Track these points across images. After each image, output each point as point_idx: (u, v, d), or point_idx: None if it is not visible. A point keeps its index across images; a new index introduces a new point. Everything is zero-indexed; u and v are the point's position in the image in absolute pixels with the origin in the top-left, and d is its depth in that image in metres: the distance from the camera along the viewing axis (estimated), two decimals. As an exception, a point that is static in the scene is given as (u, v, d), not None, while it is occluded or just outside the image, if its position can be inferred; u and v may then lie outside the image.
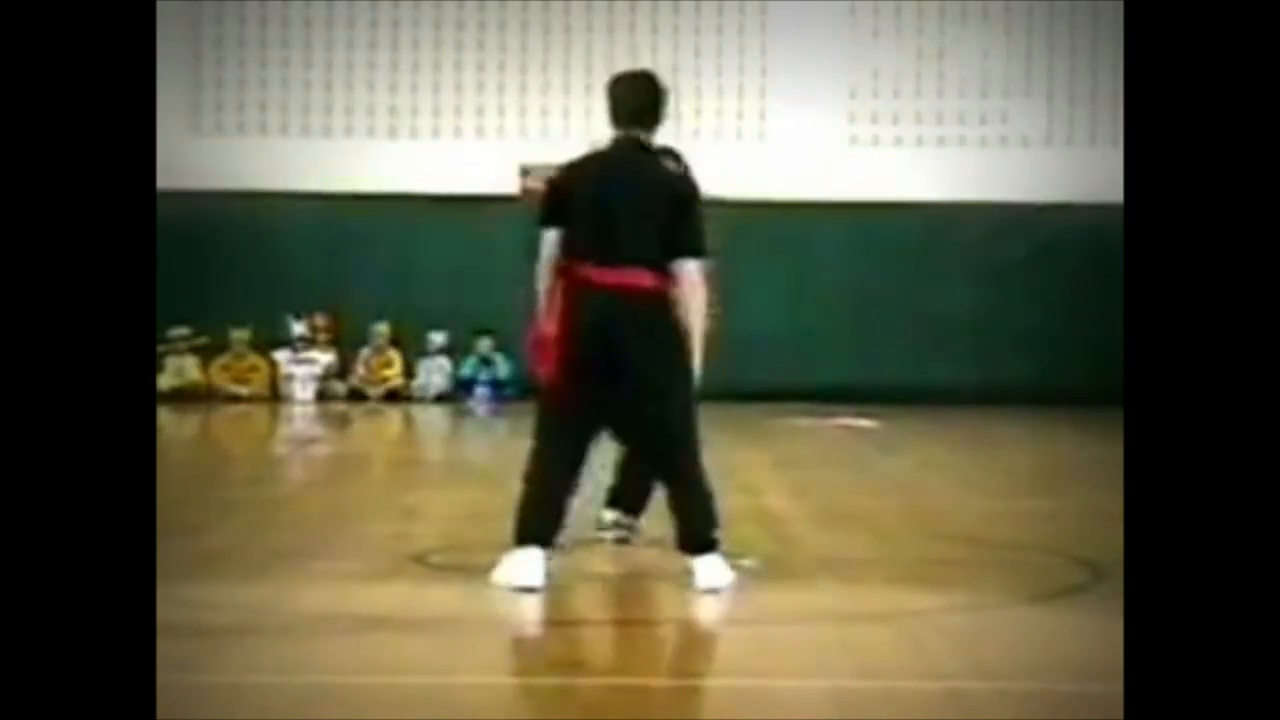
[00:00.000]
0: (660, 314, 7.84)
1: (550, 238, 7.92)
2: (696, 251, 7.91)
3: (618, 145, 8.06)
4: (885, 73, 22.87)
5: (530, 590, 7.74)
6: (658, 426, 7.92)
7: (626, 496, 9.01)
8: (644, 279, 7.82)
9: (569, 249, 7.88)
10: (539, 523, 7.85)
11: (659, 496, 8.51)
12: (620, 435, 8.27)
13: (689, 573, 7.89)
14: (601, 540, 9.02)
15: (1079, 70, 22.76)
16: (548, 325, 7.85)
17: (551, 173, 8.30)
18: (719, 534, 7.95)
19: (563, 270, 7.88)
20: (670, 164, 8.52)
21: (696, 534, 7.88)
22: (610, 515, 9.05)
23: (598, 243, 7.83)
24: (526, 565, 7.78)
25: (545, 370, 7.88)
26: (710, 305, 7.99)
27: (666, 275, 7.85)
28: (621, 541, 9.01)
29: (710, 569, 7.88)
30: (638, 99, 8.08)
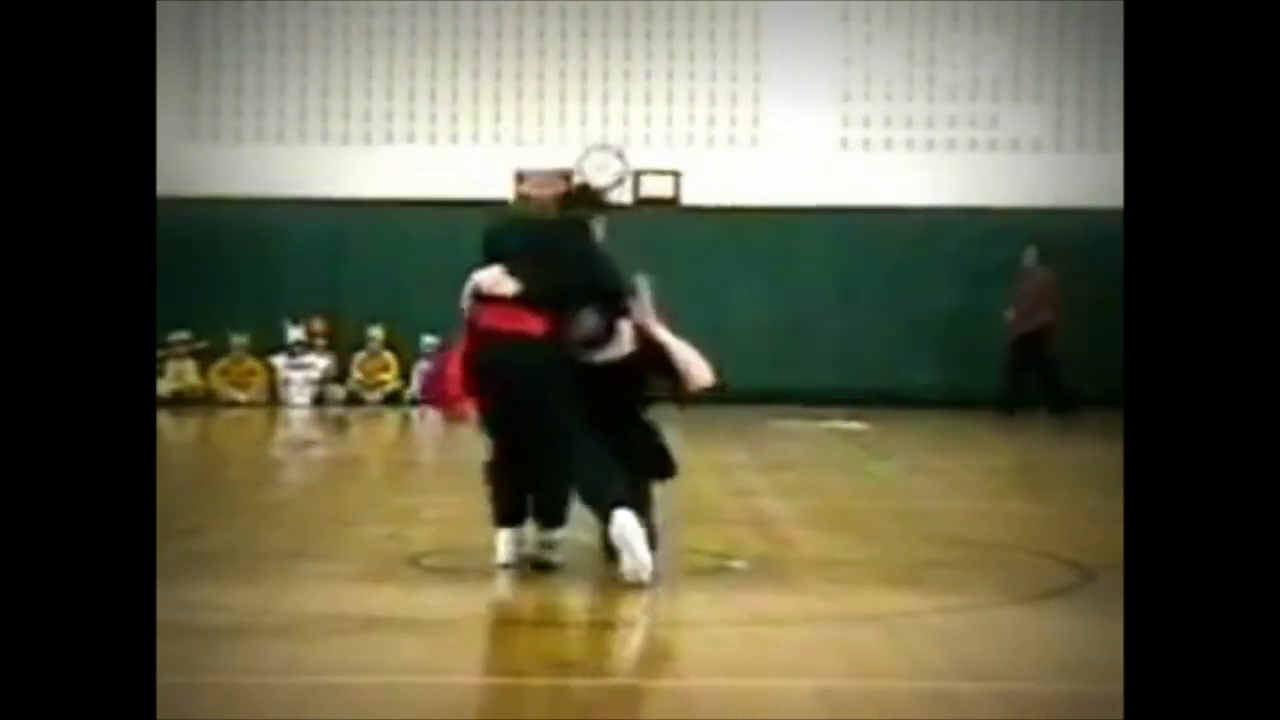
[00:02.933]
0: (543, 354, 8.45)
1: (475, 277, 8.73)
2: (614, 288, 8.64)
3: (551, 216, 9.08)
4: (879, 77, 22.90)
5: (505, 567, 8.50)
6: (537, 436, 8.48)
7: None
8: (528, 322, 8.42)
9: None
10: (501, 508, 8.66)
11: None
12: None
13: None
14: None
15: (1069, 76, 22.80)
16: (450, 363, 8.77)
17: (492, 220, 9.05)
18: (563, 510, 8.56)
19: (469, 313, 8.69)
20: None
21: (546, 508, 8.60)
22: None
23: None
24: (502, 545, 8.60)
25: (439, 404, 9.08)
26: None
27: (548, 317, 8.44)
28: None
29: (621, 520, 8.09)
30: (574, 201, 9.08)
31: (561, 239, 8.70)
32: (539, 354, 8.41)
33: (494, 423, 8.67)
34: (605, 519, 8.12)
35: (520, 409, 8.46)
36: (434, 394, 9.17)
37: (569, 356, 8.47)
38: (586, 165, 21.37)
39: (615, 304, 8.57)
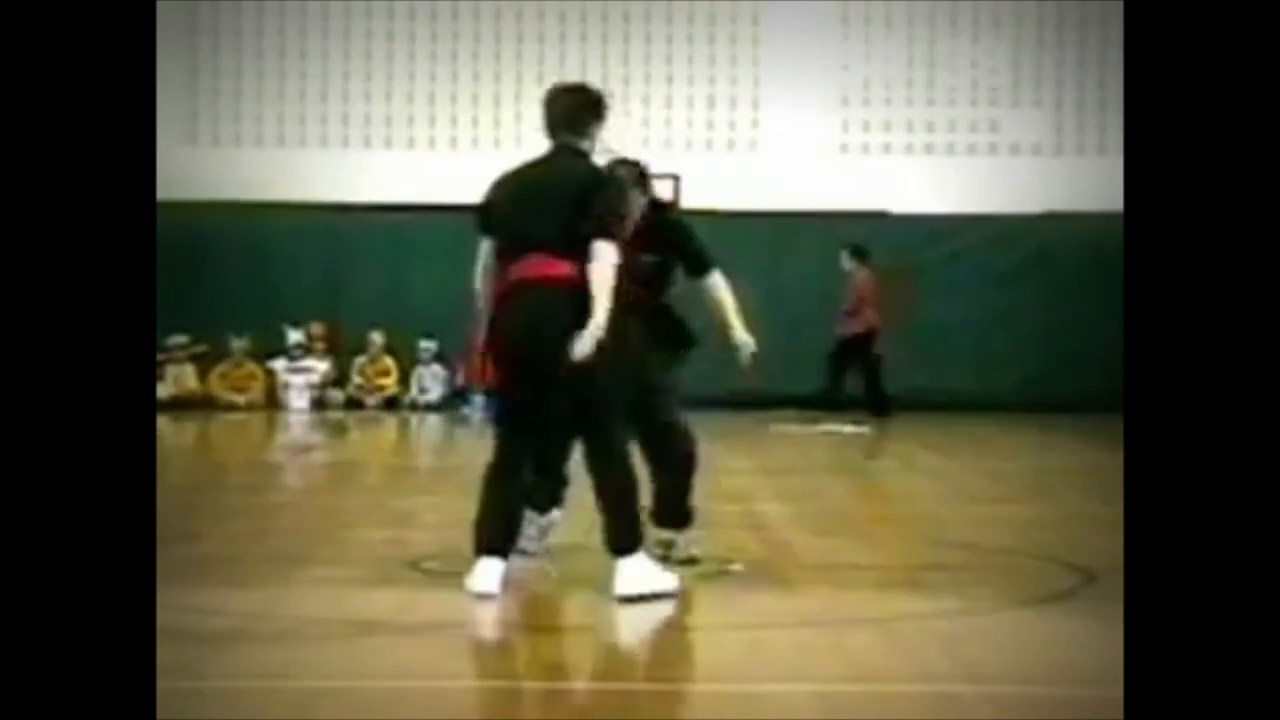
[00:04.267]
0: (572, 302, 7.78)
1: (483, 246, 8.12)
2: (603, 232, 7.84)
3: (551, 153, 8.18)
4: (878, 81, 22.92)
5: (486, 598, 7.78)
6: (581, 418, 7.95)
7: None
8: (554, 268, 7.84)
9: (497, 256, 8.04)
10: (488, 533, 7.95)
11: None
12: (553, 433, 8.33)
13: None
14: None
15: (1069, 79, 22.81)
16: (481, 334, 8.01)
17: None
18: (639, 536, 7.94)
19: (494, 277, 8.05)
20: (621, 170, 8.62)
21: (615, 535, 7.87)
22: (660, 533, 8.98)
23: (510, 240, 7.96)
24: (484, 574, 7.87)
25: (487, 378, 8.02)
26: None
27: (577, 262, 7.82)
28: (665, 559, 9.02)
29: (630, 572, 7.84)
30: (560, 109, 8.22)
31: (556, 173, 8.07)
32: (563, 303, 7.79)
33: (521, 396, 7.98)
34: (615, 556, 7.90)
35: (554, 376, 7.82)
36: (475, 372, 8.29)
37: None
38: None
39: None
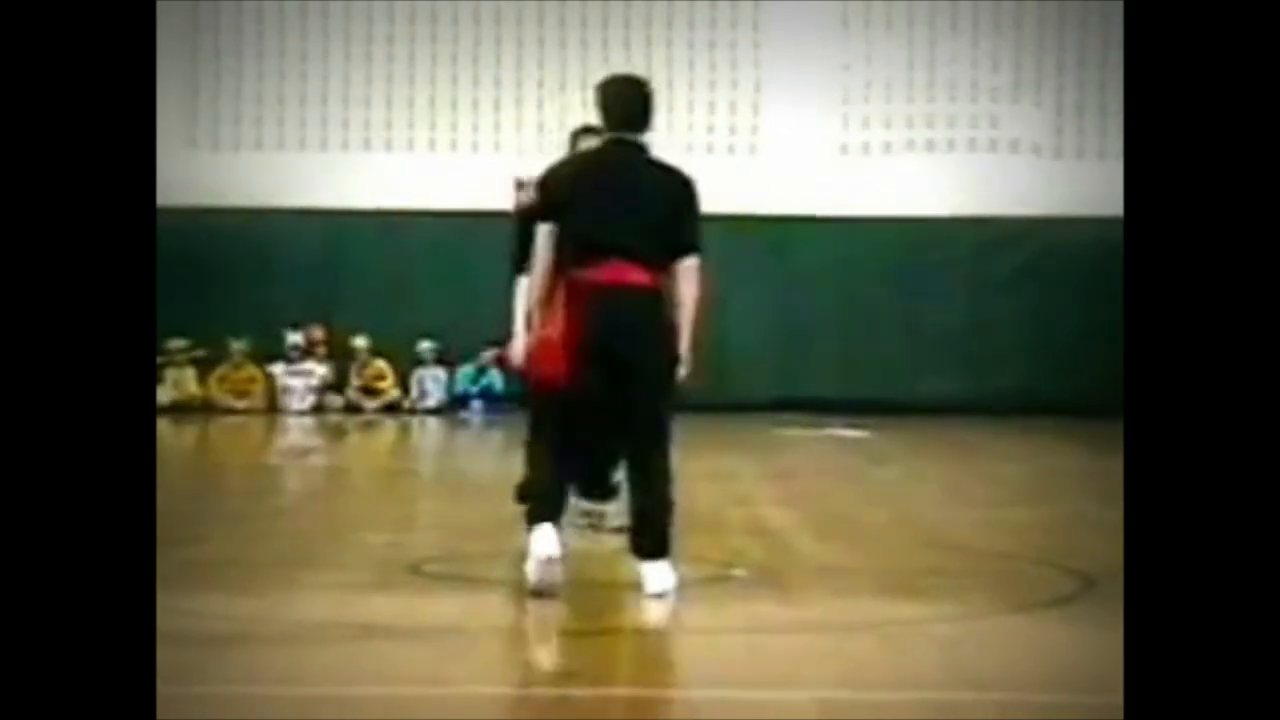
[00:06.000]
0: (655, 311, 7.94)
1: (546, 231, 8.01)
2: (695, 249, 8.01)
3: (611, 146, 8.16)
4: (878, 84, 22.92)
5: (552, 560, 7.84)
6: (645, 425, 8.01)
7: (593, 485, 9.25)
8: (639, 275, 7.91)
9: (564, 249, 7.96)
10: (545, 505, 8.00)
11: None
12: (608, 431, 8.34)
13: (640, 575, 8.02)
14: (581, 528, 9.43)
15: (1069, 82, 22.81)
16: (550, 328, 7.93)
17: (544, 171, 8.33)
18: (672, 543, 8.04)
19: (564, 273, 7.96)
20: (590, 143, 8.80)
21: (654, 541, 7.98)
22: (584, 504, 9.40)
23: (589, 240, 7.92)
24: (544, 539, 7.89)
25: (554, 375, 7.94)
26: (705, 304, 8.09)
27: (660, 272, 7.95)
28: (594, 529, 9.40)
29: (660, 574, 7.99)
30: (629, 102, 8.17)
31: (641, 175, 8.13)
32: (655, 312, 7.92)
33: (586, 398, 7.96)
34: (647, 559, 8.02)
35: (626, 391, 7.91)
36: (540, 369, 8.11)
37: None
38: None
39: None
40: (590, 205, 7.95)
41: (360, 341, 22.30)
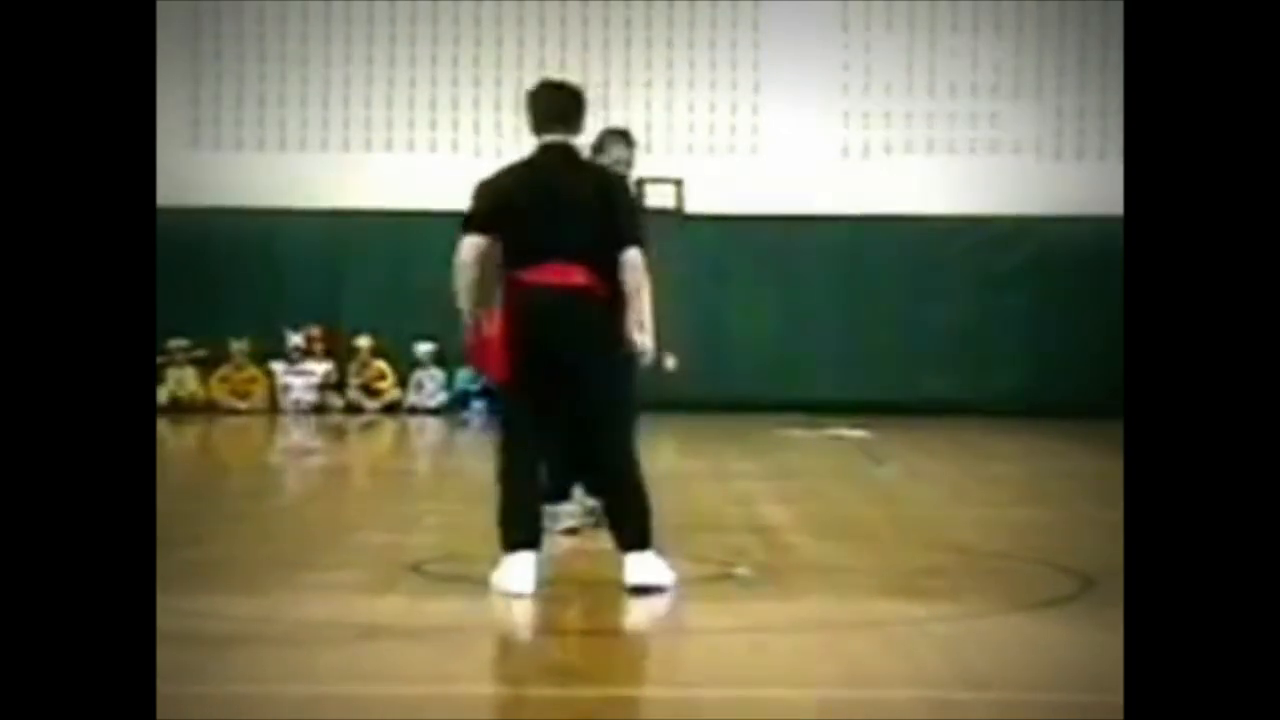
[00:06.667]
0: (593, 309, 8.03)
1: (471, 243, 8.11)
2: (634, 240, 8.08)
3: (543, 151, 8.25)
4: (879, 83, 22.92)
5: (521, 596, 7.90)
6: (595, 422, 8.11)
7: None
8: (578, 275, 8.01)
9: (506, 254, 8.10)
10: (520, 527, 8.05)
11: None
12: (563, 432, 8.40)
13: (623, 569, 8.06)
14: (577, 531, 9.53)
15: (1069, 83, 22.82)
16: (490, 328, 8.08)
17: (479, 183, 8.46)
18: (652, 531, 8.08)
19: (504, 276, 8.10)
20: (618, 149, 8.92)
21: (633, 531, 8.05)
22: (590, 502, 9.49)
23: (533, 244, 8.05)
24: (518, 571, 7.97)
25: (492, 371, 8.20)
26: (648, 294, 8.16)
27: (600, 269, 8.03)
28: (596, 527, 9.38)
29: (642, 565, 8.04)
30: (558, 104, 8.29)
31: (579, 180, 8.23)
32: (594, 312, 8.04)
33: (533, 392, 8.07)
34: (629, 550, 8.08)
35: (573, 379, 8.02)
36: (479, 361, 8.42)
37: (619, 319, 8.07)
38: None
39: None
40: (527, 210, 8.08)
41: (362, 341, 22.32)
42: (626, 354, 8.11)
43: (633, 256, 8.04)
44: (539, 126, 8.26)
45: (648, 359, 8.17)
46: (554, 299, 7.98)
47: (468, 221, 8.18)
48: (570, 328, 7.99)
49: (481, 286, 8.14)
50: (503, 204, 8.15)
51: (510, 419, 8.27)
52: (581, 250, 8.01)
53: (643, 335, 8.05)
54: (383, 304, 22.22)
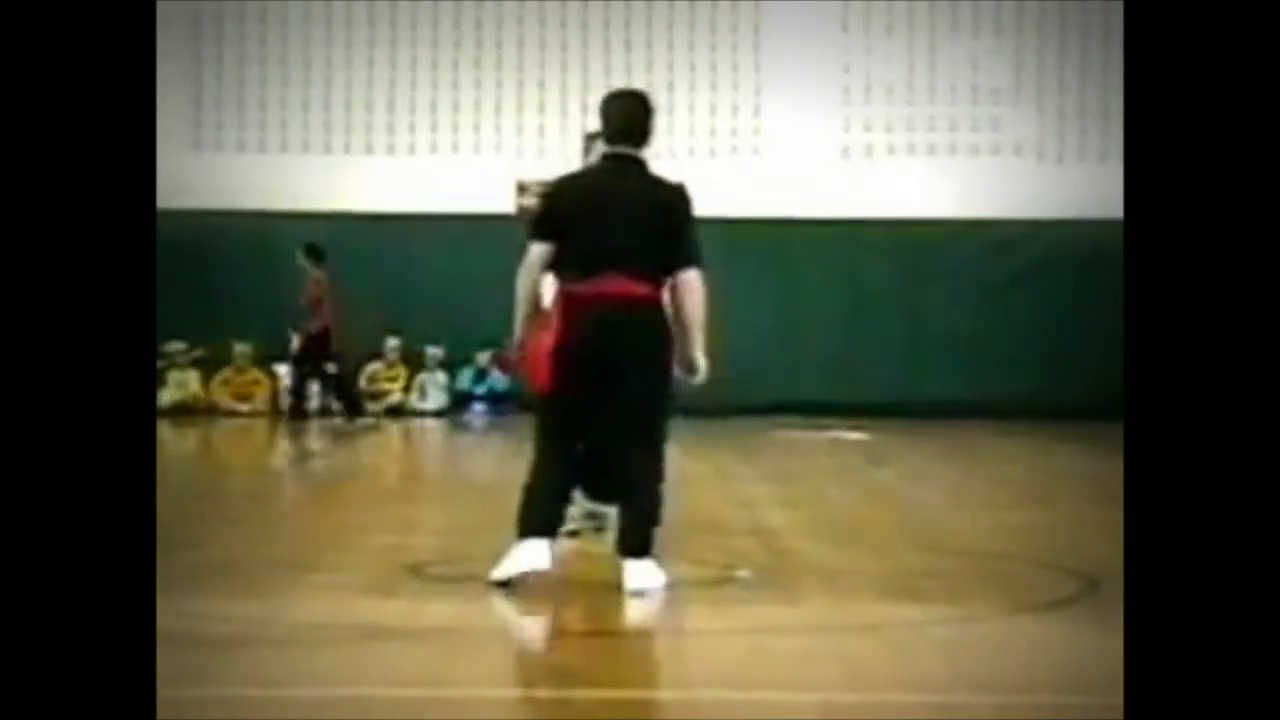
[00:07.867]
0: (650, 321, 8.10)
1: (539, 250, 8.14)
2: (694, 260, 8.15)
3: (610, 161, 8.28)
4: (879, 85, 22.93)
5: (538, 572, 8.04)
6: (638, 429, 8.15)
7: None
8: (637, 288, 8.05)
9: (564, 264, 8.11)
10: (541, 516, 8.15)
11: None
12: (602, 438, 8.41)
13: (621, 573, 8.12)
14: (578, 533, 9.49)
15: (1070, 86, 22.83)
16: (545, 338, 8.09)
17: (543, 188, 8.43)
18: (656, 542, 8.17)
19: (561, 285, 8.13)
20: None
21: (638, 539, 8.13)
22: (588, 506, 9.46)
23: (587, 255, 8.07)
24: (529, 553, 8.08)
25: (541, 382, 8.15)
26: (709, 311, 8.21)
27: (658, 285, 8.10)
28: (598, 530, 9.44)
29: (640, 571, 8.10)
30: (628, 117, 8.29)
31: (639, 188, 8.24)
32: (653, 323, 8.10)
33: (580, 405, 8.14)
34: (630, 556, 8.14)
35: (620, 402, 8.06)
36: (525, 368, 8.43)
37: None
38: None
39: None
40: (590, 222, 8.09)
41: (393, 341, 22.26)
42: (667, 368, 8.15)
43: (692, 278, 8.11)
44: (609, 138, 8.30)
45: (699, 380, 8.23)
46: (615, 311, 8.02)
47: (535, 227, 8.22)
48: (629, 339, 8.03)
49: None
50: (560, 211, 8.18)
51: (547, 428, 8.28)
52: (639, 262, 8.04)
53: (703, 358, 8.15)
54: (383, 305, 22.20)
